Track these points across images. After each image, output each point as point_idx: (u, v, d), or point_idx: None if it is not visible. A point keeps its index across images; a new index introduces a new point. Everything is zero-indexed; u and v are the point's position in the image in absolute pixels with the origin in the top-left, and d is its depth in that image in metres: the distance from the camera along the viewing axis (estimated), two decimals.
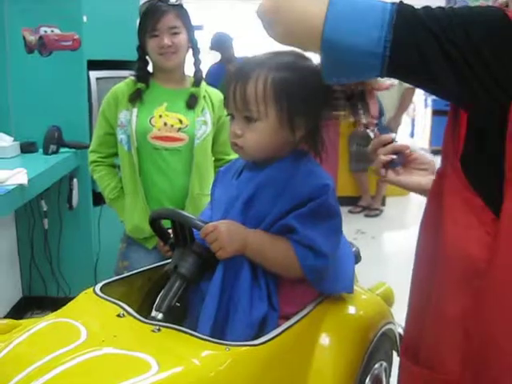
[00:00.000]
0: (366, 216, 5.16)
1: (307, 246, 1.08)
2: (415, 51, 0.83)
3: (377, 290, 1.34)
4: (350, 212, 5.17)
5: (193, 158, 2.20)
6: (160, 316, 1.07)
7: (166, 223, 1.20)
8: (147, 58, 2.24)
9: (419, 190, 1.11)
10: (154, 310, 1.08)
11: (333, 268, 1.13)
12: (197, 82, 2.25)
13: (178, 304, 1.10)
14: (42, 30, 3.29)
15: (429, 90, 0.94)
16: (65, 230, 3.46)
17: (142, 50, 2.24)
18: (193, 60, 2.29)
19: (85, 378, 0.89)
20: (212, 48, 5.08)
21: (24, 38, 3.30)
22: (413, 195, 5.13)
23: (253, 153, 1.14)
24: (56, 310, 1.17)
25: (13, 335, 1.03)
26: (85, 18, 3.31)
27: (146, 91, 2.25)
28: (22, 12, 3.28)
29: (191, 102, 2.22)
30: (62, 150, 3.26)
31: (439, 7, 0.86)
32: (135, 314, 1.05)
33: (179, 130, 2.20)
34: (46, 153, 3.23)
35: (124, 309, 1.06)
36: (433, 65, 0.83)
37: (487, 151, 0.88)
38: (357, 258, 1.31)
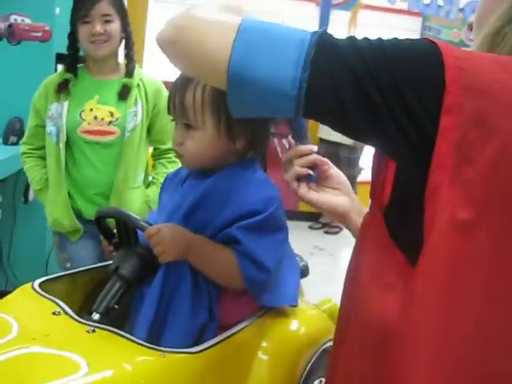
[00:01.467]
0: (326, 233, 5.18)
1: (250, 259, 1.06)
2: (332, 94, 0.72)
3: (322, 305, 1.33)
4: (310, 228, 5.17)
5: (122, 151, 2.18)
6: (97, 317, 1.04)
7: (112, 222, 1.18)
8: (78, 46, 2.22)
9: (330, 210, 1.02)
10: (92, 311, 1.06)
11: (275, 281, 1.12)
12: (129, 73, 2.22)
13: (117, 306, 1.07)
14: (13, 18, 3.23)
15: (348, 134, 0.81)
16: (18, 224, 3.38)
17: (72, 37, 2.20)
18: (125, 51, 2.25)
19: (10, 375, 0.85)
20: None
21: None
22: None
23: (193, 161, 1.13)
24: None
25: None
26: (57, 11, 3.27)
27: (76, 82, 2.22)
28: None
29: (123, 93, 2.19)
30: (21, 141, 3.20)
31: (365, 38, 0.75)
32: (71, 313, 1.02)
33: (110, 123, 2.18)
34: (5, 143, 3.17)
35: (60, 307, 1.03)
36: (352, 111, 0.73)
37: (410, 207, 0.77)
38: (304, 272, 1.30)
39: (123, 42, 2.23)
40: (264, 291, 1.11)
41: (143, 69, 2.34)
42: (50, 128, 2.21)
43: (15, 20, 3.25)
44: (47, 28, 3.28)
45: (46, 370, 0.87)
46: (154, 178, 2.36)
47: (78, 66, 2.26)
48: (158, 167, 2.37)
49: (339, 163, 5.05)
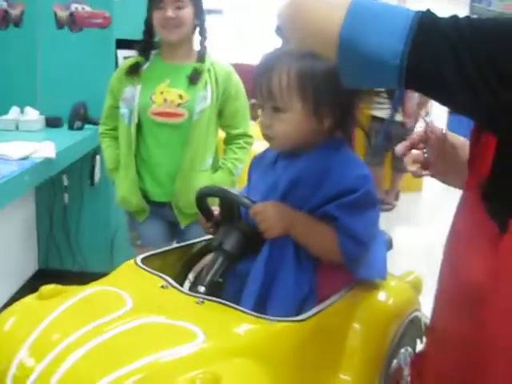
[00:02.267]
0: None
1: (348, 235, 1.11)
2: (432, 67, 0.78)
3: (406, 277, 1.37)
4: None
5: (190, 133, 2.24)
6: (202, 289, 1.10)
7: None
8: (152, 32, 2.29)
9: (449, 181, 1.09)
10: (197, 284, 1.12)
11: (368, 255, 1.17)
12: (201, 58, 2.29)
13: (221, 280, 1.13)
14: (73, 7, 3.32)
15: (449, 106, 0.89)
16: (85, 206, 3.50)
17: (147, 23, 2.28)
18: (199, 37, 2.32)
19: (132, 344, 0.92)
20: (277, 33, 5.18)
21: (55, 13, 3.33)
22: (425, 191, 5.16)
23: (283, 143, 1.18)
24: (71, 283, 1.20)
25: (58, 301, 1.07)
26: None
27: (150, 67, 2.30)
28: None
29: (193, 78, 2.25)
30: (86, 126, 3.29)
31: (466, 17, 0.80)
32: (178, 286, 1.09)
33: (179, 105, 2.24)
34: (71, 128, 3.27)
35: (167, 280, 1.10)
36: (451, 85, 0.78)
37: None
38: (389, 245, 1.35)
39: (197, 27, 2.30)
40: (360, 265, 1.16)
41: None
42: (123, 110, 2.30)
43: (76, 8, 3.34)
44: (107, 14, 3.36)
45: (167, 338, 0.93)
46: (222, 163, 2.41)
47: (154, 51, 2.33)
48: (228, 153, 2.42)
49: (391, 139, 5.04)
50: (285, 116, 1.14)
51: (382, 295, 1.22)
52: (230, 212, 1.17)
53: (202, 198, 1.22)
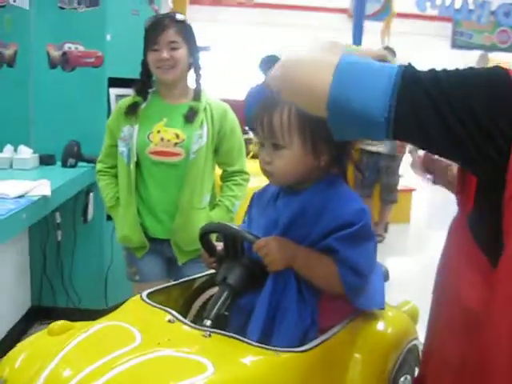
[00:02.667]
0: None
1: (349, 266, 1.16)
2: (416, 119, 0.84)
3: (403, 307, 1.41)
4: None
5: (187, 171, 2.30)
6: (209, 323, 1.13)
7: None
8: (149, 72, 2.36)
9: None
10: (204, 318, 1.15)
11: (368, 286, 1.21)
12: (196, 96, 2.35)
13: (226, 313, 1.17)
14: (67, 46, 3.39)
15: (434, 153, 0.98)
16: (78, 243, 3.52)
17: (144, 64, 2.35)
18: (194, 75, 2.39)
19: (145, 377, 0.95)
20: (260, 69, 5.28)
21: (48, 53, 3.40)
22: (413, 222, 5.20)
23: (282, 178, 1.23)
24: (65, 320, 1.22)
25: (68, 337, 1.09)
26: (108, 37, 3.42)
27: (147, 106, 2.36)
28: (47, 28, 3.38)
29: (189, 116, 2.31)
30: (79, 163, 3.34)
31: (443, 70, 0.87)
32: (185, 320, 1.12)
33: (176, 144, 2.30)
34: (64, 166, 3.30)
35: (173, 315, 1.13)
36: (434, 136, 0.85)
37: (490, 214, 0.88)
38: (386, 276, 1.39)
39: (192, 67, 2.36)
40: (360, 295, 1.20)
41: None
42: (122, 149, 2.34)
43: (69, 48, 3.41)
44: (99, 54, 3.43)
45: (178, 371, 0.96)
46: (219, 200, 2.46)
47: (150, 90, 2.39)
48: (225, 190, 2.47)
49: (379, 172, 5.12)
50: (284, 153, 1.20)
51: (381, 325, 1.26)
52: (234, 247, 1.21)
53: (205, 234, 1.26)
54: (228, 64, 10.36)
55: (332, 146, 1.20)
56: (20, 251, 3.40)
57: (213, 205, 2.45)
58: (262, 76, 5.68)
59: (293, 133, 1.18)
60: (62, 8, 3.37)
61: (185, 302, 1.35)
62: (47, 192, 2.58)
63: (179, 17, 2.29)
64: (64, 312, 3.58)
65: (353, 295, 1.19)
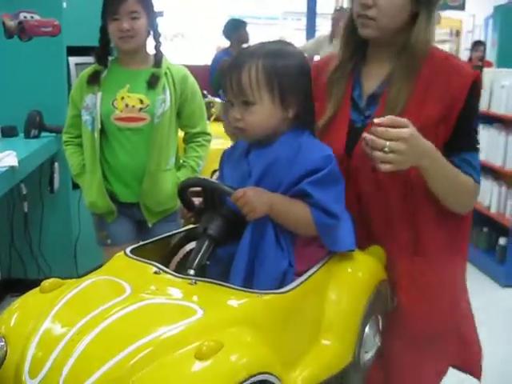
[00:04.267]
0: None
1: (321, 208, 1.24)
2: None
3: (373, 251, 1.50)
4: None
5: (153, 135, 2.36)
6: (192, 272, 1.20)
7: None
8: (108, 40, 2.39)
9: None
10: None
11: (339, 228, 1.30)
12: (157, 63, 2.41)
13: (208, 262, 1.24)
14: (22, 16, 3.35)
15: None
16: (45, 213, 3.53)
17: (103, 32, 2.38)
18: (154, 43, 2.46)
19: (137, 324, 1.00)
20: (224, 34, 5.30)
21: (3, 23, 3.36)
22: None
23: (254, 133, 1.30)
24: None
25: (60, 293, 1.14)
26: (64, 4, 3.40)
27: (109, 74, 2.39)
28: None
29: (152, 82, 2.38)
30: (43, 134, 3.33)
31: None
32: (170, 271, 1.19)
33: (140, 110, 2.35)
34: (27, 137, 3.30)
35: (158, 267, 1.20)
36: None
37: None
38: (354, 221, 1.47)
39: (151, 34, 2.40)
40: (334, 236, 1.30)
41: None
42: (86, 117, 2.38)
43: (25, 17, 3.37)
44: (56, 23, 3.41)
45: (169, 316, 1.03)
46: (183, 161, 2.54)
47: (110, 58, 2.42)
48: (188, 151, 2.55)
49: None
50: (254, 108, 1.27)
51: (352, 266, 1.34)
52: (212, 200, 1.28)
53: (183, 190, 1.32)
54: (179, 29, 10.28)
55: (299, 97, 1.29)
56: None
57: (178, 166, 2.52)
58: (225, 40, 5.66)
59: (261, 88, 1.25)
60: None
61: (163, 257, 1.40)
62: (14, 163, 2.60)
63: None
64: (35, 283, 3.58)
65: (326, 236, 1.29)
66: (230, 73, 1.27)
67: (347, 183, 1.34)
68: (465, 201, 1.50)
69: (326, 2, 6.15)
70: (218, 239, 1.24)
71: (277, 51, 1.29)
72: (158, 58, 2.41)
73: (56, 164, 3.38)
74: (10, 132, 3.29)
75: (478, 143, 1.49)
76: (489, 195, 4.58)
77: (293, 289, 1.15)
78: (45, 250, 3.54)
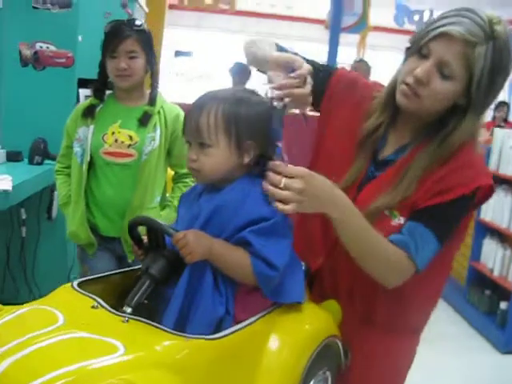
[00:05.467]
0: None
1: (261, 258, 1.23)
2: None
3: (326, 306, 1.48)
4: None
5: (139, 172, 2.39)
6: (129, 310, 1.20)
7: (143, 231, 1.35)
8: (107, 75, 2.45)
9: None
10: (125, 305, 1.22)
11: (283, 280, 1.29)
12: (152, 101, 2.45)
13: (146, 301, 1.24)
14: (38, 46, 3.46)
15: None
16: (42, 239, 3.57)
17: (102, 68, 2.44)
18: (150, 81, 2.53)
19: (58, 354, 1.02)
20: (230, 74, 5.60)
21: (20, 51, 3.46)
22: None
23: (208, 175, 1.31)
24: None
25: None
26: (80, 38, 3.49)
27: (104, 108, 2.45)
28: (19, 26, 3.45)
29: (143, 120, 2.42)
30: (46, 161, 3.40)
31: None
32: (107, 307, 1.19)
33: (129, 146, 2.39)
34: (30, 163, 3.37)
35: (98, 302, 1.20)
36: None
37: None
38: (307, 274, 1.46)
39: (149, 72, 2.45)
40: (273, 288, 1.28)
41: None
42: (77, 149, 2.43)
43: (40, 47, 3.47)
44: (70, 54, 3.50)
45: (89, 350, 1.03)
46: (169, 201, 2.56)
47: (108, 92, 2.47)
48: (175, 190, 2.58)
49: None
50: (210, 151, 1.28)
51: (297, 319, 1.33)
52: (156, 240, 1.29)
53: (132, 227, 1.33)
54: (205, 69, 10.51)
55: (257, 145, 1.29)
56: None
57: (163, 205, 2.54)
58: (231, 81, 5.89)
59: (219, 132, 1.27)
60: (36, 8, 3.44)
61: (123, 291, 1.41)
62: (8, 187, 2.64)
63: (138, 23, 2.37)
64: None
65: (265, 286, 1.27)
66: (191, 113, 1.30)
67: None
68: (385, 274, 1.39)
69: (346, 54, 6.22)
70: (159, 279, 1.25)
71: (239, 98, 1.30)
72: (153, 97, 2.46)
73: (55, 192, 3.42)
74: (14, 157, 3.36)
75: (445, 235, 1.38)
76: (493, 258, 4.51)
77: (224, 336, 1.15)
78: (38, 276, 3.57)
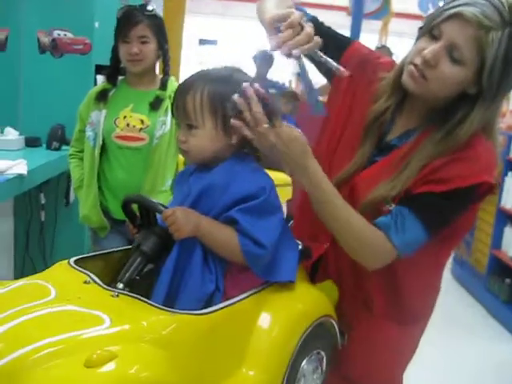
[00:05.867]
0: None
1: (249, 237, 1.24)
2: None
3: (323, 287, 1.49)
4: None
5: (150, 156, 2.41)
6: (121, 286, 1.23)
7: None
8: (119, 60, 2.48)
9: None
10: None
11: (273, 258, 1.29)
12: (163, 85, 2.48)
13: (138, 277, 1.26)
14: (56, 33, 3.50)
15: None
16: (59, 224, 3.63)
17: (114, 52, 2.47)
18: (163, 66, 2.56)
19: (46, 326, 1.04)
20: (254, 61, 5.53)
21: (38, 39, 3.51)
22: None
23: (196, 156, 1.33)
24: None
25: None
26: (96, 24, 3.53)
27: (116, 92, 2.48)
28: (37, 14, 3.50)
29: (155, 104, 2.45)
30: (64, 147, 3.45)
31: None
32: (99, 282, 1.21)
33: (140, 130, 2.42)
34: (48, 148, 3.42)
35: (90, 277, 1.23)
36: None
37: None
38: (306, 254, 1.47)
39: (161, 57, 2.48)
40: (263, 266, 1.29)
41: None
42: (89, 133, 2.47)
43: (58, 35, 3.52)
44: (87, 41, 3.54)
45: (76, 323, 1.06)
46: None
47: (120, 77, 2.51)
48: None
49: None
50: (197, 132, 1.29)
51: (290, 297, 1.34)
52: (148, 217, 1.31)
53: (126, 204, 1.36)
54: (230, 57, 10.50)
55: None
56: (5, 229, 3.52)
57: None
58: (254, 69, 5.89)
59: (204, 114, 1.28)
60: None
61: (121, 269, 1.43)
62: (23, 171, 2.70)
63: (150, 8, 2.40)
64: None
65: (254, 265, 1.28)
66: (178, 95, 1.31)
67: None
68: (362, 254, 1.38)
69: (368, 41, 6.18)
70: (151, 255, 1.27)
71: (225, 77, 1.30)
72: (165, 81, 2.49)
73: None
74: (33, 143, 3.42)
75: (434, 225, 1.34)
76: None
77: (212, 312, 1.16)
78: (56, 260, 3.60)
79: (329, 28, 1.59)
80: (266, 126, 1.21)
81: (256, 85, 1.21)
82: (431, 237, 1.34)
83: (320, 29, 1.52)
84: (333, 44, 1.53)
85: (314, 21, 1.53)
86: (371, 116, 1.46)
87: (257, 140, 1.24)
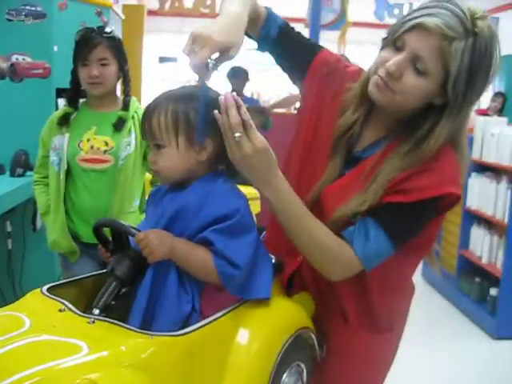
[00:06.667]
0: None
1: (223, 257, 1.24)
2: None
3: (298, 298, 1.50)
4: None
5: (116, 177, 2.40)
6: (97, 312, 1.22)
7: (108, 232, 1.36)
8: (79, 83, 2.46)
9: None
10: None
11: (248, 276, 1.29)
12: (125, 106, 2.47)
13: (113, 302, 1.25)
14: (14, 58, 3.47)
15: None
16: (28, 251, 3.57)
17: (74, 76, 2.46)
18: (123, 86, 2.56)
19: (23, 357, 1.03)
20: (227, 77, 5.60)
21: None
22: None
23: (167, 176, 1.32)
24: None
25: None
26: (55, 48, 3.50)
27: (77, 116, 2.46)
28: None
29: (118, 125, 2.44)
30: (28, 173, 3.40)
31: None
32: (74, 309, 1.20)
33: (105, 152, 2.41)
34: (12, 175, 3.37)
35: (65, 305, 1.22)
36: None
37: None
38: (279, 267, 1.47)
39: (121, 78, 2.47)
40: (238, 285, 1.29)
41: (142, 101, 2.58)
42: (53, 158, 2.44)
43: (16, 59, 3.49)
44: (47, 65, 3.52)
45: (53, 352, 1.04)
46: None
47: (81, 100, 2.49)
48: None
49: None
50: (165, 151, 1.29)
51: (266, 311, 1.34)
52: (121, 241, 1.30)
53: (97, 229, 1.34)
54: (191, 74, 10.49)
55: (211, 140, 1.29)
56: None
57: (143, 209, 2.55)
58: (228, 85, 5.89)
59: (170, 132, 1.28)
60: (10, 20, 3.45)
61: (95, 294, 1.42)
62: None
63: (108, 30, 2.39)
64: None
65: (229, 285, 1.28)
66: (144, 117, 1.32)
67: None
68: (325, 265, 1.38)
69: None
70: (125, 280, 1.26)
71: (190, 95, 1.30)
72: (127, 102, 2.48)
73: None
74: None
75: (400, 236, 1.33)
76: (480, 245, 4.53)
77: (189, 332, 1.16)
78: (26, 287, 3.56)
79: (298, 33, 1.59)
80: (240, 133, 1.20)
81: (234, 93, 1.21)
82: (396, 247, 1.33)
83: (289, 34, 1.55)
84: (300, 51, 1.54)
85: (285, 26, 1.56)
86: (339, 130, 1.45)
87: (229, 149, 1.24)
